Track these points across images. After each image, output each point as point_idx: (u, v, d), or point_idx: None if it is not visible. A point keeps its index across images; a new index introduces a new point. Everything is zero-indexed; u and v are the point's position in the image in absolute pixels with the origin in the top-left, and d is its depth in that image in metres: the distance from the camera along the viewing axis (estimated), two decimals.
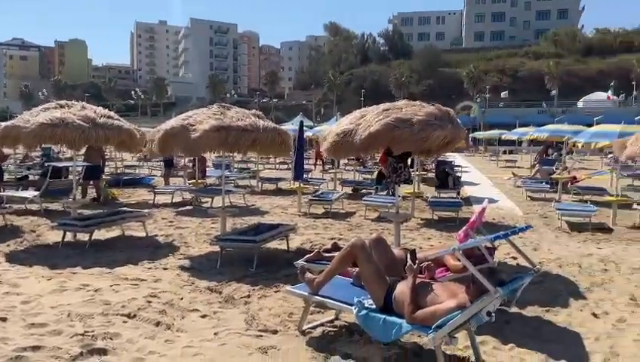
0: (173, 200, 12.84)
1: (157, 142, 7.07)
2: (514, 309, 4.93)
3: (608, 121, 19.22)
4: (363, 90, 71.12)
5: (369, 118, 6.33)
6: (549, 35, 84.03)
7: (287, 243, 7.66)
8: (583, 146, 12.71)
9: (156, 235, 8.71)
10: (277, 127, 7.59)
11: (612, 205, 10.51)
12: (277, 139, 7.39)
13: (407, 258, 4.50)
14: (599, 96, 61.68)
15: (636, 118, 39.50)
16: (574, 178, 15.36)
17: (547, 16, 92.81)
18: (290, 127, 19.89)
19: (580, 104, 61.59)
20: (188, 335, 4.40)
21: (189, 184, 14.40)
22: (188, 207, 12.11)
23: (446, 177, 13.95)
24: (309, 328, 4.51)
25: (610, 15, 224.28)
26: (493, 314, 3.50)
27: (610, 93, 60.42)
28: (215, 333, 4.42)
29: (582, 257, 7.32)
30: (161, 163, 17.93)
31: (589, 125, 16.38)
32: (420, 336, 4.11)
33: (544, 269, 6.63)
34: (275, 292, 5.59)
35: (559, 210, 10.14)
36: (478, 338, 4.12)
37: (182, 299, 5.34)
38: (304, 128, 12.95)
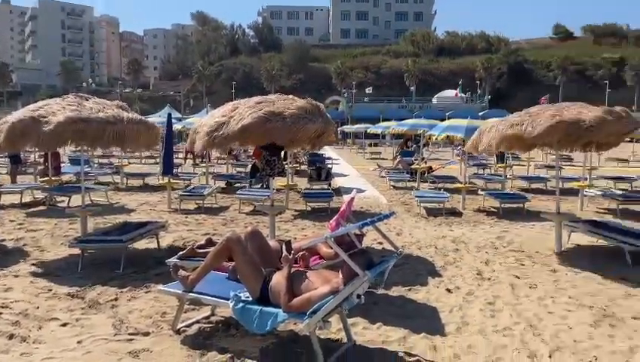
0: (23, 201, 11.53)
1: (2, 136, 6.28)
2: (381, 291, 5.32)
3: (458, 116, 21.35)
4: (234, 82, 70.28)
5: (242, 111, 6.30)
6: (407, 35, 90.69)
7: (158, 241, 7.34)
8: (437, 139, 13.99)
9: (3, 240, 7.77)
10: (143, 119, 7.21)
11: (461, 192, 11.75)
12: (143, 131, 7.01)
13: (282, 249, 4.59)
14: (449, 93, 68.21)
15: (480, 114, 44.36)
16: (430, 168, 16.85)
17: (405, 17, 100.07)
18: (157, 119, 18.94)
19: (435, 100, 67.52)
20: (47, 346, 4.02)
21: (41, 182, 13.02)
22: (41, 208, 10.96)
23: (318, 170, 14.42)
24: (183, 326, 4.40)
25: (458, 19, 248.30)
26: (363, 297, 3.74)
27: (458, 90, 67.11)
28: (78, 342, 4.10)
29: (437, 239, 8.10)
30: (7, 159, 15.94)
31: (442, 119, 18.06)
32: (295, 324, 4.23)
33: (406, 252, 7.22)
34: (146, 292, 5.34)
35: (418, 197, 11.08)
36: (350, 320, 4.36)
37: (38, 307, 4.86)
38: (172, 120, 12.44)
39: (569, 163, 22.62)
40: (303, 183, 14.58)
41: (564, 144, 7.11)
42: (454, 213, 10.77)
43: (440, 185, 14.39)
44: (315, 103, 6.62)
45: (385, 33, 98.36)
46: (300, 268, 4.04)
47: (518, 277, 6.06)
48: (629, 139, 30.53)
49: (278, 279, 3.78)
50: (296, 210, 10.86)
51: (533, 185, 14.91)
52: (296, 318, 3.67)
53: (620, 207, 10.83)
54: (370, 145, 41.86)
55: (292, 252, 4.27)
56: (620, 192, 12.36)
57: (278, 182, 11.30)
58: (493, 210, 11.06)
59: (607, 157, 23.86)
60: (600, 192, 12.09)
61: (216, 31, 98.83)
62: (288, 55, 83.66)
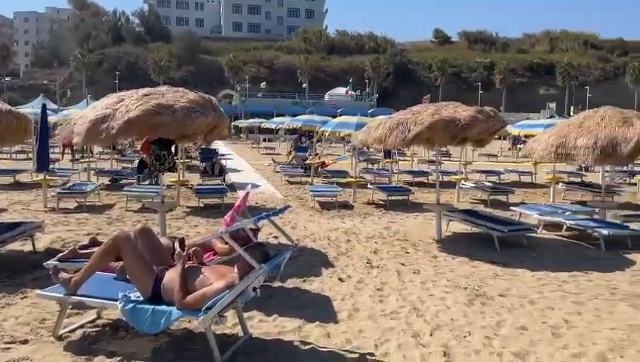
0: None
1: None
2: (277, 283, 5.40)
3: (348, 113, 22.15)
4: (118, 73, 65.95)
5: (128, 103, 5.99)
6: (299, 32, 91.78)
7: (33, 243, 6.73)
8: (329, 135, 14.42)
9: None
10: (13, 110, 6.56)
11: (352, 186, 12.24)
12: (13, 123, 6.40)
13: (175, 246, 4.47)
14: (341, 90, 70.30)
15: (369, 111, 46.23)
16: (324, 163, 17.28)
17: (297, 14, 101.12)
18: (29, 110, 17.24)
19: (327, 97, 69.17)
20: None
21: None
22: None
23: (212, 165, 14.13)
24: (66, 332, 4.11)
25: (348, 19, 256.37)
26: (259, 290, 3.78)
27: (348, 88, 69.43)
28: None
29: (330, 231, 8.38)
30: None
31: (334, 116, 18.63)
32: (190, 321, 4.16)
33: (301, 245, 7.39)
34: (22, 298, 4.89)
35: (312, 192, 11.35)
36: (246, 314, 4.38)
37: None
38: (47, 112, 11.42)
39: (448, 158, 24.55)
40: (195, 179, 14.20)
41: (442, 140, 7.73)
42: (346, 206, 11.19)
43: (333, 179, 14.84)
44: (207, 96, 6.50)
45: (277, 29, 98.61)
46: (195, 265, 3.98)
47: (404, 264, 6.49)
48: (498, 137, 33.83)
49: (172, 276, 3.69)
50: (188, 207, 10.57)
51: (417, 179, 15.97)
52: (191, 315, 3.61)
53: (490, 197, 12.01)
54: (264, 140, 41.85)
55: (185, 248, 4.18)
56: (489, 185, 13.69)
57: (168, 177, 10.90)
58: (381, 202, 11.67)
59: (480, 152, 26.31)
60: (473, 185, 13.30)
61: (97, 16, 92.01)
62: (177, 46, 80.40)
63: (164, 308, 3.66)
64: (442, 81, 78.69)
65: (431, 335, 4.29)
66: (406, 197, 11.81)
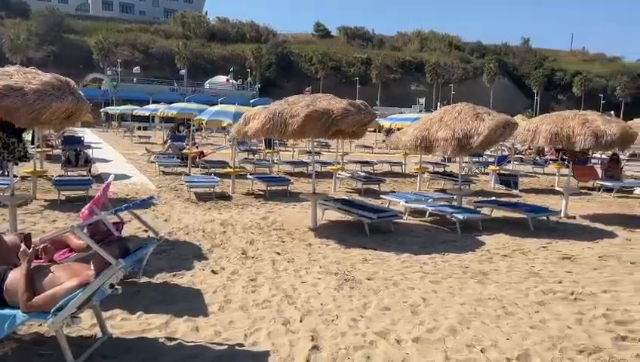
0: None
1: None
2: (144, 279, 5.14)
3: (230, 102, 21.74)
4: None
5: None
6: (177, 16, 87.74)
7: None
8: (206, 124, 14.01)
9: None
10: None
11: (231, 176, 12.07)
12: None
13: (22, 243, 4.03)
14: (222, 79, 68.81)
15: (251, 101, 45.85)
16: (202, 153, 16.80)
17: None
18: None
19: (207, 85, 67.25)
20: None
21: None
22: None
23: (75, 154, 12.98)
24: None
25: (229, 6, 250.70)
26: (118, 287, 3.56)
27: (230, 77, 68.19)
28: None
29: (206, 223, 8.18)
30: None
31: (215, 105, 18.15)
32: (41, 325, 3.79)
33: (174, 238, 7.11)
34: None
35: (188, 182, 10.97)
36: (107, 313, 4.11)
37: None
38: None
39: (327, 149, 25.29)
40: (57, 170, 12.96)
41: (317, 132, 7.90)
42: (224, 196, 11.01)
43: (212, 170, 14.49)
44: (63, 79, 5.92)
45: (153, 11, 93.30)
46: (44, 263, 3.62)
47: (279, 253, 6.56)
48: (372, 129, 35.59)
49: (15, 276, 3.32)
50: (46, 200, 9.62)
51: (297, 169, 16.22)
52: (39, 318, 3.29)
53: (364, 186, 12.61)
54: (139, 128, 39.50)
55: (32, 245, 3.78)
56: (363, 174, 14.37)
57: (23, 168, 9.82)
58: (261, 192, 11.67)
59: (357, 144, 27.52)
60: (349, 174, 13.86)
61: None
62: (38, 23, 72.41)
63: (7, 311, 3.29)
64: (323, 74, 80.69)
65: (301, 321, 4.40)
66: (285, 188, 11.93)
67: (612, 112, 72.93)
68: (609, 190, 13.76)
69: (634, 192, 13.35)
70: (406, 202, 9.53)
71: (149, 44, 78.36)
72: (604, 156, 18.55)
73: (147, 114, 28.62)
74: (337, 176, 13.36)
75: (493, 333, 4.27)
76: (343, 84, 77.50)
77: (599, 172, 15.28)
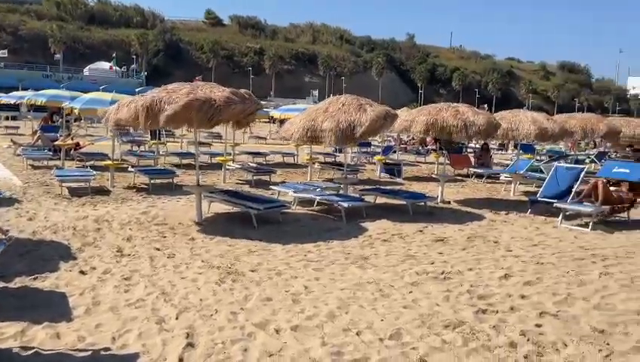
0: None
1: None
2: (0, 284, 4.61)
3: (112, 90, 20.27)
4: None
5: None
6: None
7: None
8: (80, 112, 12.92)
9: None
10: None
11: (110, 169, 11.28)
12: None
13: None
14: (104, 65, 64.22)
15: (137, 90, 43.24)
16: (78, 144, 15.52)
17: None
18: None
19: (87, 72, 62.35)
20: None
21: None
22: None
23: None
24: None
25: None
26: None
27: (112, 63, 63.86)
28: None
29: (78, 220, 7.55)
30: None
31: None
32: None
33: (39, 237, 6.48)
34: None
35: (59, 176, 10.06)
36: None
37: None
38: None
39: (219, 140, 24.72)
40: None
41: (199, 121, 7.63)
42: (102, 191, 10.26)
43: (90, 162, 13.44)
44: None
45: None
46: None
47: (159, 249, 6.25)
48: (267, 120, 35.50)
49: None
50: None
51: (185, 161, 15.59)
52: None
53: (254, 178, 12.48)
54: (6, 118, 35.54)
55: None
56: (254, 165, 14.23)
57: None
58: (144, 186, 11.05)
59: (250, 135, 27.24)
60: (239, 166, 13.64)
61: None
62: None
63: None
64: (215, 64, 78.71)
65: (177, 318, 4.21)
66: (170, 180, 11.42)
67: (485, 105, 79.67)
68: (480, 176, 15.02)
69: (500, 178, 14.70)
70: (294, 192, 9.58)
71: (19, 25, 70.85)
72: (477, 146, 20.24)
73: (13, 102, 25.78)
74: (227, 167, 13.08)
75: (369, 316, 4.42)
76: (236, 74, 76.31)
77: (472, 160, 16.62)
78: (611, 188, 9.14)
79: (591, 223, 8.44)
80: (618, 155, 20.93)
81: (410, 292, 5.07)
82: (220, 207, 8.71)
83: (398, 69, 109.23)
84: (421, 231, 7.84)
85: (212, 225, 7.70)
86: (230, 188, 10.19)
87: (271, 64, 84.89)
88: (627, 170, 9.64)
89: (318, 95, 79.22)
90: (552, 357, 3.79)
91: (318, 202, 9.36)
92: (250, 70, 78.02)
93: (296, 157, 17.75)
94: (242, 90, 7.89)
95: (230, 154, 14.59)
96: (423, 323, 4.31)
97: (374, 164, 17.21)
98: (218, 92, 7.33)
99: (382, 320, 4.34)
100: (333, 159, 17.64)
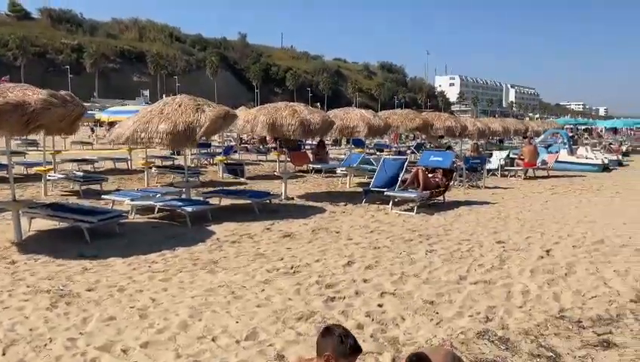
0: None
1: None
2: None
3: None
4: None
5: None
6: None
7: None
8: None
9: None
10: None
11: None
12: None
13: None
14: None
15: None
16: None
17: None
18: None
19: None
20: None
21: None
22: None
23: None
24: None
25: None
26: None
27: None
28: None
29: None
30: None
31: None
32: None
33: None
34: None
35: None
36: None
37: None
38: None
39: (35, 148, 21.97)
40: None
41: (12, 128, 6.68)
42: None
43: None
44: None
45: None
46: None
47: None
48: (87, 124, 32.49)
49: None
50: None
51: None
52: None
53: (83, 188, 11.35)
54: None
55: None
56: (81, 174, 12.97)
57: None
58: None
59: (73, 140, 24.70)
60: (63, 175, 12.29)
61: None
62: None
63: None
64: (23, 62, 69.59)
65: (4, 354, 3.66)
66: None
67: (318, 104, 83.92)
68: (319, 171, 15.80)
69: (337, 172, 15.65)
70: (131, 200, 8.98)
71: None
72: (313, 143, 21.22)
73: None
74: (48, 178, 11.69)
75: (223, 320, 4.37)
76: (51, 73, 68.47)
77: (311, 156, 17.39)
78: (429, 175, 10.37)
79: (415, 207, 9.47)
80: (432, 146, 23.81)
81: (263, 290, 5.13)
82: (45, 223, 7.77)
83: (232, 68, 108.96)
84: (268, 228, 7.96)
85: (36, 245, 6.82)
86: (55, 201, 9.13)
87: (93, 62, 77.83)
88: (441, 159, 11.02)
89: (150, 95, 75.17)
90: (394, 332, 4.18)
91: (159, 209, 8.91)
92: (69, 69, 70.55)
93: (129, 162, 16.64)
94: (62, 92, 7.11)
95: (51, 163, 13.05)
96: (277, 319, 4.39)
97: (216, 165, 16.96)
98: (34, 94, 6.50)
99: (237, 322, 4.32)
100: (171, 162, 16.91)
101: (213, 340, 3.97)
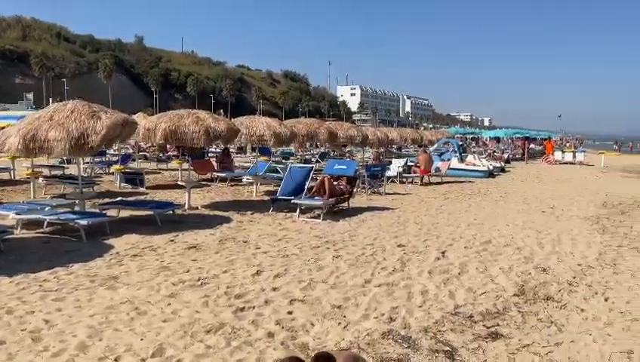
0: None
1: None
2: None
3: None
4: None
5: None
6: None
7: None
8: None
9: None
10: None
11: None
12: None
13: None
14: None
15: None
16: None
17: None
18: None
19: None
20: None
21: None
22: None
23: None
24: None
25: None
26: None
27: None
28: None
29: None
30: None
31: None
32: None
33: None
34: None
35: None
36: None
37: None
38: None
39: None
40: None
41: None
42: None
43: None
44: None
45: None
46: None
47: None
48: None
49: None
50: None
51: None
52: None
53: None
54: None
55: None
56: None
57: None
58: None
59: None
60: None
61: None
62: None
63: None
64: None
65: None
66: None
67: (222, 111, 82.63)
68: (224, 180, 15.55)
69: (243, 180, 15.52)
70: (17, 214, 8.22)
71: None
72: (218, 150, 20.85)
73: None
74: None
75: (127, 338, 4.17)
76: None
77: (215, 165, 17.07)
78: (334, 183, 10.68)
79: (322, 214, 9.70)
80: (336, 154, 24.48)
81: (169, 304, 4.96)
82: None
83: (129, 72, 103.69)
84: (172, 240, 7.71)
85: None
86: None
87: None
88: (345, 167, 11.40)
89: (34, 99, 69.27)
90: (304, 338, 4.26)
91: (49, 222, 8.25)
92: None
93: (12, 172, 15.21)
94: None
95: None
96: (185, 333, 4.28)
97: (112, 174, 16.05)
98: None
99: (142, 339, 4.14)
100: (62, 172, 15.70)
101: (115, 360, 3.78)
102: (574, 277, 6.26)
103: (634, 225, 10.02)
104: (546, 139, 41.76)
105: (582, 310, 5.15)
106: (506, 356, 4.06)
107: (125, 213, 9.42)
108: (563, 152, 34.14)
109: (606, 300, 5.48)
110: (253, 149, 21.06)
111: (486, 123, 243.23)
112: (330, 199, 10.11)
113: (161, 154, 23.01)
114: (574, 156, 32.21)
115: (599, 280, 6.18)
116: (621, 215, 11.41)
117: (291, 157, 24.55)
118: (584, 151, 35.20)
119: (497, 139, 43.67)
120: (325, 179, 10.41)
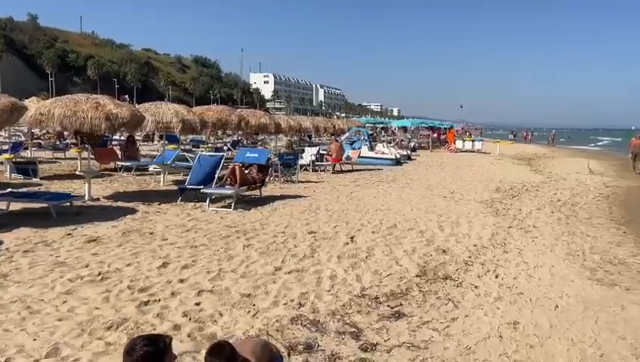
0: None
1: None
2: None
3: None
4: None
5: None
6: None
7: None
8: None
9: None
10: None
11: None
12: None
13: None
14: None
15: None
16: None
17: None
18: None
19: None
20: None
21: None
22: None
23: None
24: None
25: None
26: None
27: None
28: None
29: None
30: None
31: None
32: None
33: None
34: None
35: None
36: None
37: None
38: None
39: None
40: None
41: None
42: None
43: None
44: None
45: None
46: None
47: None
48: None
49: None
50: None
51: None
52: None
53: None
54: None
55: None
56: None
57: None
58: None
59: None
60: None
61: None
62: None
63: None
64: None
65: None
66: None
67: (126, 96, 78.41)
68: (128, 169, 14.79)
69: (149, 169, 14.86)
70: None
71: None
72: (122, 138, 19.77)
73: None
74: None
75: (18, 338, 3.86)
76: None
77: (119, 153, 16.17)
78: (245, 171, 10.57)
79: (232, 203, 9.56)
80: (249, 142, 24.21)
81: (65, 302, 4.65)
82: None
83: (20, 52, 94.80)
84: (70, 234, 7.21)
85: None
86: None
87: None
88: (256, 155, 11.32)
89: None
90: (212, 329, 4.20)
91: None
92: None
93: None
94: None
95: None
96: (82, 331, 4.04)
97: (1, 163, 14.66)
98: None
99: (34, 339, 3.86)
100: None
101: None
102: (470, 257, 6.74)
103: (522, 208, 10.97)
104: (448, 129, 44.24)
105: (475, 287, 5.56)
106: (408, 333, 4.28)
107: (16, 206, 8.65)
108: (463, 141, 36.40)
109: (496, 277, 5.96)
110: (160, 137, 20.21)
111: (395, 113, 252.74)
112: (241, 187, 10.00)
113: (58, 142, 21.38)
114: (473, 145, 34.48)
115: (491, 259, 6.71)
116: (512, 198, 12.43)
117: (202, 146, 23.89)
118: (482, 140, 37.76)
119: (405, 129, 45.52)
120: (236, 167, 10.26)
